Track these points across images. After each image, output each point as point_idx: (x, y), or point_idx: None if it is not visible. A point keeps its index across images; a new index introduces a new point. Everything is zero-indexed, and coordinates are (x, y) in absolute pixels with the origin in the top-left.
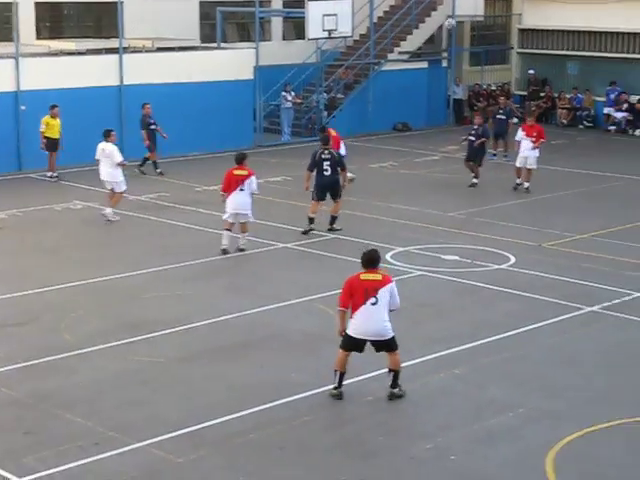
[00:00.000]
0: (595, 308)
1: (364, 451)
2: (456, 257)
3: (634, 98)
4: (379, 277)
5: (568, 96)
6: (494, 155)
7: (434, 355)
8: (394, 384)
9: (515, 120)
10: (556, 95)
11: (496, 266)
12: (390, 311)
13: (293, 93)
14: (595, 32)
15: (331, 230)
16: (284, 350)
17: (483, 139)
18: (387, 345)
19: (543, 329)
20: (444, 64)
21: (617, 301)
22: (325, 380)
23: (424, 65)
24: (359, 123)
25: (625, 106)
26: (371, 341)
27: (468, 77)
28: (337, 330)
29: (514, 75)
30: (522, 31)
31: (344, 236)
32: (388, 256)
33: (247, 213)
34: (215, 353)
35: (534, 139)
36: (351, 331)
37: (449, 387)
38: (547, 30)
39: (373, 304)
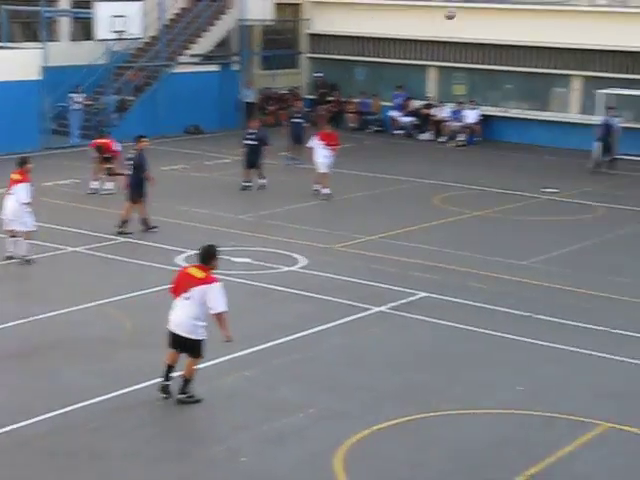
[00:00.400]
0: (383, 308)
1: (156, 455)
2: (247, 260)
3: (419, 103)
4: (201, 275)
5: (356, 100)
6: (292, 159)
7: (226, 357)
8: (182, 390)
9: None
10: (344, 99)
11: (287, 268)
12: (217, 314)
13: (84, 94)
14: (381, 38)
15: (121, 234)
16: (75, 355)
17: (267, 146)
18: (190, 347)
19: (333, 330)
20: (235, 67)
21: (404, 301)
22: (117, 384)
23: (215, 68)
24: (150, 126)
25: (412, 107)
26: (178, 337)
27: (259, 81)
28: None
29: (304, 79)
30: (311, 36)
31: (135, 240)
32: (179, 259)
33: (15, 220)
34: (4, 359)
35: (332, 146)
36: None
37: (240, 389)
38: (335, 35)
39: (186, 299)
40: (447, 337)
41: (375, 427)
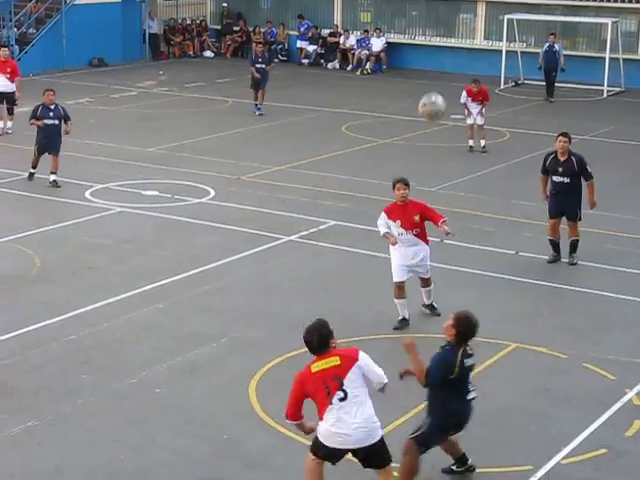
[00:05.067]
0: (293, 237)
1: (68, 389)
2: (156, 192)
3: (325, 32)
4: (336, 361)
5: (262, 30)
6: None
7: (137, 291)
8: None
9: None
10: (251, 29)
11: (196, 200)
12: (379, 390)
13: None
14: None
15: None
16: None
17: (69, 121)
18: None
19: (244, 260)
20: None
21: (314, 230)
22: (27, 321)
23: None
24: (53, 59)
25: (318, 36)
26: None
27: (163, 11)
28: None
29: (209, 9)
30: None
31: (40, 175)
32: (87, 193)
33: None
34: None
35: None
36: (324, 440)
37: (153, 321)
38: None
39: (341, 399)
40: (358, 264)
41: (286, 355)
